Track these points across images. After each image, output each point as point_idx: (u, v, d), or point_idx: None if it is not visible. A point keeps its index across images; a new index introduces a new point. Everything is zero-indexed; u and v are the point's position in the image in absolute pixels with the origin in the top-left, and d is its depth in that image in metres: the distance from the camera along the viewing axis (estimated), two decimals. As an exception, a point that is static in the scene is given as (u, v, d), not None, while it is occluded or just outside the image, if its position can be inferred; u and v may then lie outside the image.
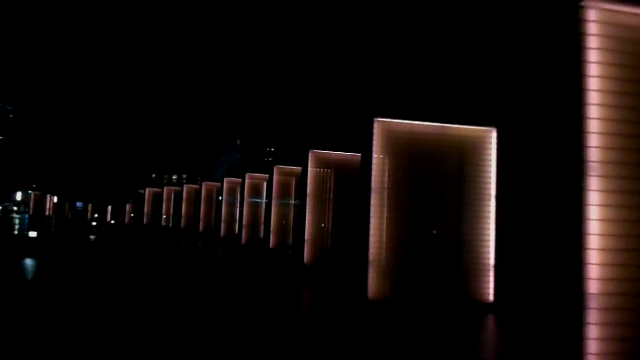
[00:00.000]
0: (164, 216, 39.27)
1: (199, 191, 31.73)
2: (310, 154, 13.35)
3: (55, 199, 50.18)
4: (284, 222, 18.59)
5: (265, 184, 23.58)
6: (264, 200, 23.45)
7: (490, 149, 9.01)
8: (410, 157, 8.89)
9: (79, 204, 56.50)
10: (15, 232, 26.13)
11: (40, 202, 56.73)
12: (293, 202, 18.90)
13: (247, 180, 22.53)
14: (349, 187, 13.60)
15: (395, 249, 8.66)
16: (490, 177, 9.02)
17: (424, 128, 8.99)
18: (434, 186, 8.95)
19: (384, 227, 8.63)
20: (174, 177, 64.59)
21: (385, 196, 8.68)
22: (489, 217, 8.95)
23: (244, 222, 22.37)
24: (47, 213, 55.88)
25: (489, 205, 8.98)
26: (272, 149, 64.48)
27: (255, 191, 23.49)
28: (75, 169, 34.95)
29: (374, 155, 8.67)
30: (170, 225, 37.57)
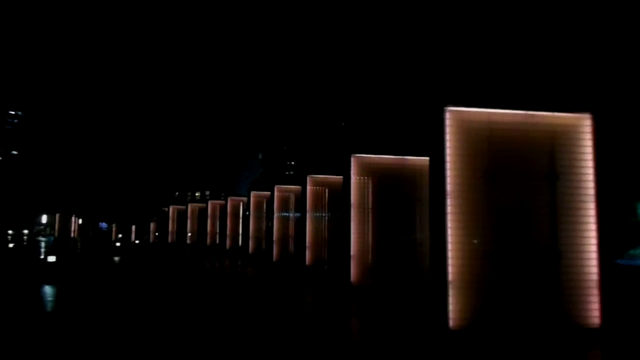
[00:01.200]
0: (189, 234, 38.03)
1: (224, 207, 30.36)
2: (352, 159, 11.79)
3: (80, 220, 49.40)
4: (322, 236, 17.00)
5: (293, 196, 22.12)
6: (293, 213, 21.97)
7: (586, 139, 7.55)
8: (491, 154, 7.24)
9: (102, 224, 55.75)
10: (41, 256, 25.21)
11: (64, 225, 56.27)
12: (326, 215, 17.33)
13: (276, 193, 21.03)
14: (397, 195, 12.02)
15: (479, 265, 7.00)
16: (588, 174, 7.50)
17: (506, 117, 7.51)
18: (521, 187, 7.27)
19: (463, 239, 6.98)
20: (197, 194, 63.60)
21: (463, 201, 7.05)
22: (590, 222, 7.20)
23: (275, 238, 20.81)
24: (72, 235, 55.35)
25: (589, 208, 7.20)
26: (293, 163, 63.28)
27: (285, 204, 21.96)
28: (98, 189, 33.82)
29: (448, 153, 7.05)
30: (196, 242, 36.29)
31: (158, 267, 19.24)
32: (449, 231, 6.96)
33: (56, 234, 59.44)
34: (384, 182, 11.93)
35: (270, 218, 25.16)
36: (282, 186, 21.18)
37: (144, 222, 43.78)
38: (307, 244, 16.25)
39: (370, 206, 11.86)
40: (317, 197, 17.10)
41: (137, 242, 42.36)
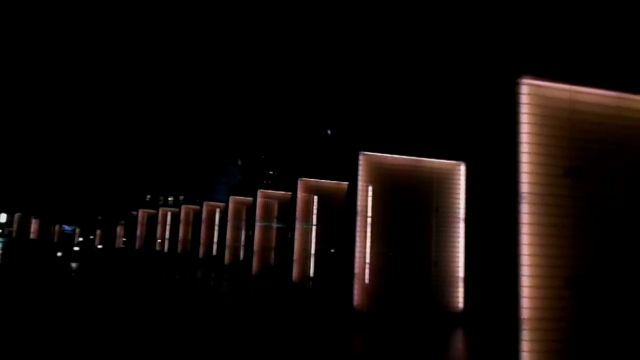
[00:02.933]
0: (159, 240, 35.52)
1: (199, 212, 28.00)
2: (361, 157, 9.84)
3: (39, 221, 46.33)
4: (309, 249, 14.92)
5: (276, 203, 20.05)
6: (276, 222, 19.87)
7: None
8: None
9: (67, 227, 52.67)
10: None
11: (24, 225, 53.03)
12: (314, 225, 15.29)
13: (259, 199, 18.90)
14: (410, 202, 10.18)
15: (562, 298, 5.03)
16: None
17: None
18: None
19: (542, 261, 5.02)
20: (170, 199, 60.71)
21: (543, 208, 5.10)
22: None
23: (255, 248, 18.64)
24: (31, 236, 52.18)
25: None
26: (272, 172, 61.06)
27: (268, 212, 19.84)
28: (62, 189, 31.22)
29: (525, 140, 5.16)
30: (166, 250, 33.78)
31: (114, 278, 16.81)
32: (525, 251, 4.96)
33: (14, 234, 56.08)
34: (395, 187, 10.04)
35: (250, 226, 23.01)
36: (267, 191, 19.08)
37: (110, 226, 41.02)
38: (294, 257, 14.11)
39: (376, 215, 9.94)
40: (307, 204, 15.08)
41: (100, 247, 39.46)
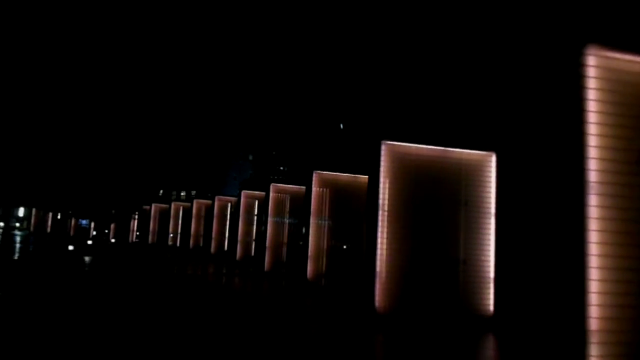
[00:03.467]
0: (171, 235, 35.05)
1: (211, 207, 27.36)
2: (383, 147, 9.05)
3: (58, 215, 46.09)
4: (323, 245, 14.14)
5: (288, 198, 19.30)
6: (288, 217, 19.13)
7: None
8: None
9: (83, 221, 52.54)
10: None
11: (41, 219, 53.08)
12: (328, 221, 14.49)
13: (272, 194, 18.15)
14: (437, 196, 9.39)
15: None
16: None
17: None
18: None
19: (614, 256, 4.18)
20: (182, 194, 60.26)
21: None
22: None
23: (268, 244, 17.90)
24: (48, 230, 52.21)
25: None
26: (283, 168, 60.22)
27: (280, 206, 19.10)
28: (78, 184, 30.73)
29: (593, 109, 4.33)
30: (178, 245, 33.28)
31: (125, 273, 16.17)
32: (594, 250, 4.13)
33: (32, 228, 56.09)
34: (420, 180, 9.22)
35: (262, 221, 22.32)
36: (279, 185, 18.32)
37: (124, 220, 40.59)
38: (309, 254, 13.34)
39: (400, 210, 9.12)
40: (322, 199, 14.29)
41: (113, 241, 39.05)
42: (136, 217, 42.13)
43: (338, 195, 13.79)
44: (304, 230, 13.86)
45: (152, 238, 37.86)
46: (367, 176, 13.53)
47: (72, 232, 49.56)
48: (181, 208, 34.13)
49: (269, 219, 18.24)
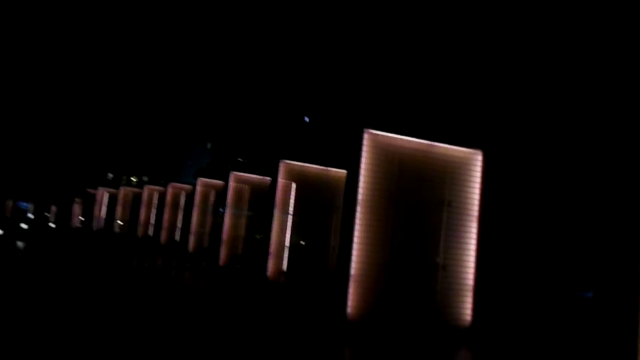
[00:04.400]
0: (119, 222, 33.09)
1: (163, 194, 25.75)
2: (366, 136, 8.12)
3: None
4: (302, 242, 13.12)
5: (248, 188, 18.16)
6: (247, 209, 17.99)
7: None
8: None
9: (23, 203, 49.50)
10: None
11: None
12: (291, 215, 13.45)
13: (231, 183, 16.95)
14: (419, 194, 8.59)
15: None
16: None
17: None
18: None
19: None
20: (133, 179, 57.61)
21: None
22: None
23: (225, 237, 16.70)
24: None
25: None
26: (243, 160, 58.43)
27: (240, 197, 17.92)
28: (17, 163, 28.60)
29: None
30: (126, 232, 31.38)
31: (58, 263, 14.60)
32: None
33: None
34: (404, 175, 8.47)
35: (218, 213, 21.07)
36: (241, 174, 17.13)
37: (67, 204, 38.24)
38: (270, 250, 12.28)
39: (379, 207, 8.23)
40: (288, 191, 13.24)
41: (52, 225, 36.56)
42: (81, 201, 39.81)
43: (306, 188, 12.78)
44: (266, 224, 12.78)
45: (98, 224, 35.64)
46: (338, 170, 12.79)
47: (8, 215, 46.59)
48: (131, 194, 32.20)
49: (227, 210, 17.02)
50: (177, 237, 24.76)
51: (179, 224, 25.08)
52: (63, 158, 29.32)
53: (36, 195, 37.17)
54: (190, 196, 23.05)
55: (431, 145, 8.52)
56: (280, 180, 12.57)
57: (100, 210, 36.17)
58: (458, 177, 8.56)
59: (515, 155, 8.83)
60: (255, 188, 17.54)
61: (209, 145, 59.13)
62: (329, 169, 12.84)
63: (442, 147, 8.59)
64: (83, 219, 39.90)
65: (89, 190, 37.48)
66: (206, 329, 7.41)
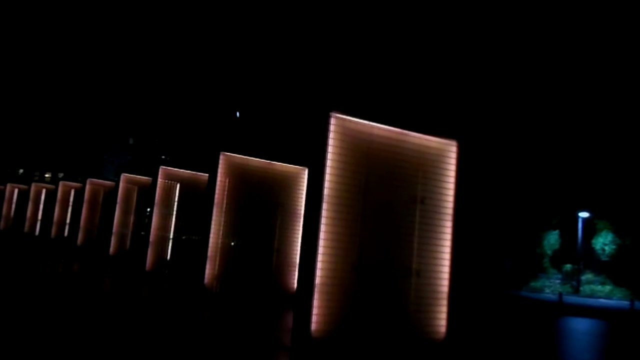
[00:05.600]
0: (30, 222, 29.76)
1: (81, 191, 23.14)
2: (332, 119, 6.93)
3: None
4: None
5: (178, 186, 16.38)
6: (174, 207, 16.19)
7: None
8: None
9: None
10: None
11: None
12: (230, 214, 11.94)
13: (160, 179, 15.11)
14: (389, 189, 7.50)
15: None
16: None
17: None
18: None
19: None
20: (47, 175, 52.89)
21: None
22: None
23: (152, 238, 14.86)
24: None
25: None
26: (165, 157, 55.21)
27: (168, 195, 16.07)
28: None
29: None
30: (37, 233, 28.25)
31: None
32: None
33: None
34: (374, 168, 7.20)
35: (143, 212, 19.06)
36: (171, 169, 15.34)
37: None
38: (208, 254, 10.72)
39: (349, 205, 7.07)
40: (227, 187, 11.70)
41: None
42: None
43: (247, 184, 11.29)
44: (204, 224, 11.17)
45: (5, 223, 31.92)
46: (285, 164, 11.47)
47: None
48: (44, 191, 28.99)
49: (155, 209, 15.16)
50: (95, 236, 22.29)
51: (97, 224, 22.62)
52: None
53: None
54: (111, 193, 20.76)
55: (403, 133, 7.42)
56: (220, 174, 11.04)
57: (9, 208, 32.43)
58: (432, 171, 7.53)
59: (492, 145, 7.91)
60: (185, 184, 15.81)
61: (130, 141, 55.41)
62: (274, 162, 11.47)
63: (415, 136, 7.50)
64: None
65: (-2, 186, 33.63)
66: (133, 352, 5.86)
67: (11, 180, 35.70)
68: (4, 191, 32.92)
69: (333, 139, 6.77)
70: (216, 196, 11.03)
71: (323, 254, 6.57)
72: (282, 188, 11.47)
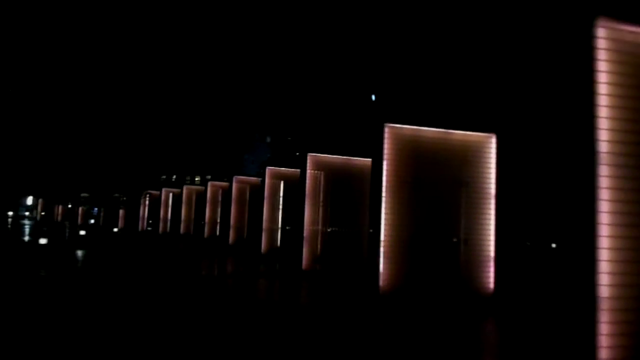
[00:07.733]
0: (183, 223, 30.62)
1: (228, 190, 22.52)
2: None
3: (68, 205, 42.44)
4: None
5: (322, 176, 14.42)
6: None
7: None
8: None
9: (94, 209, 49.34)
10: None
11: (49, 208, 49.91)
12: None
13: (309, 171, 13.29)
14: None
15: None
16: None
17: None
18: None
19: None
20: (197, 179, 55.62)
21: None
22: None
23: (305, 234, 13.12)
24: (58, 219, 48.88)
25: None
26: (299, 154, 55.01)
27: (315, 185, 14.17)
28: (84, 172, 27.45)
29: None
30: (191, 233, 28.85)
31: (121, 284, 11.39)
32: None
33: (38, 217, 52.49)
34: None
35: (287, 206, 17.54)
36: (321, 155, 13.41)
37: (131, 208, 36.26)
38: (381, 249, 8.56)
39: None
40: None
41: (115, 230, 34.32)
42: (147, 203, 37.92)
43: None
44: (375, 216, 9.12)
45: (164, 226, 33.21)
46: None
47: (80, 220, 45.83)
48: (195, 193, 29.49)
49: (306, 201, 13.41)
50: (245, 234, 21.55)
51: (246, 221, 21.86)
52: (123, 162, 27.58)
53: (101, 201, 35.64)
54: (258, 189, 19.69)
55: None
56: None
57: (165, 212, 33.77)
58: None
59: (527, 135, 9.24)
60: (335, 172, 13.82)
61: (268, 139, 56.21)
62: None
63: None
64: (151, 221, 37.86)
65: (152, 192, 35.34)
66: None
67: (166, 186, 37.23)
68: (160, 196, 34.33)
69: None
70: (384, 179, 8.77)
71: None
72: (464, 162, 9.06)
